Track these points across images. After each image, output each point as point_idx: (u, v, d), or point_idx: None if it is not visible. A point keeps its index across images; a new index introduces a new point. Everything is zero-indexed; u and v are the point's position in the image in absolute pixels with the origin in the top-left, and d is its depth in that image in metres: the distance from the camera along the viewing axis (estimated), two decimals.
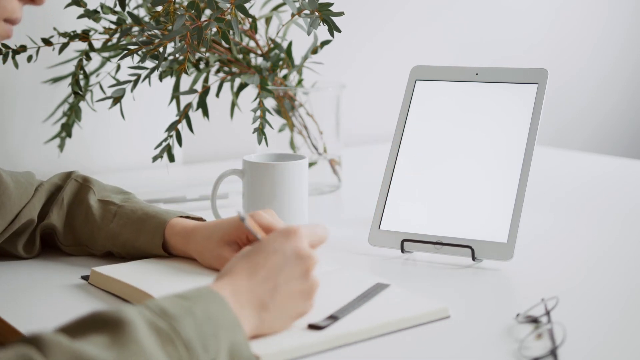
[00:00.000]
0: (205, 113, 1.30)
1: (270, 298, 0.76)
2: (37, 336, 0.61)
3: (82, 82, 1.32)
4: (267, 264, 0.77)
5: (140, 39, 1.15)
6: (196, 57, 1.33)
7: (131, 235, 1.01)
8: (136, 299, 0.89)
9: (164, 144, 1.22)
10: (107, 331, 0.64)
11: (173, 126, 1.23)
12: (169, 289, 0.87)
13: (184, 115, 1.24)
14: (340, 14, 1.09)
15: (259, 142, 1.18)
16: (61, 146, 1.38)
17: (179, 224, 1.01)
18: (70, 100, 1.37)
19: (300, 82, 1.40)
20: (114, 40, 1.26)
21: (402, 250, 1.06)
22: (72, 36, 1.22)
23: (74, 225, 1.05)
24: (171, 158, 1.23)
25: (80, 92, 1.25)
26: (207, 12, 1.27)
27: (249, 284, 0.75)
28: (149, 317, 0.66)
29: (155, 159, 1.22)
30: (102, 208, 1.04)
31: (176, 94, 1.34)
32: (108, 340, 0.63)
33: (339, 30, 1.10)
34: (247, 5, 1.11)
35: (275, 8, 1.40)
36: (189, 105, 1.26)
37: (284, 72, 1.37)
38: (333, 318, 0.82)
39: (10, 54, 1.19)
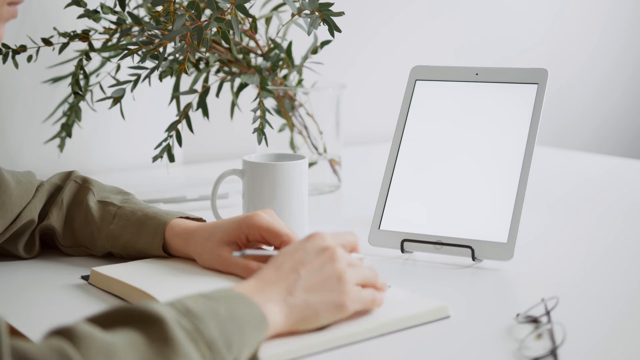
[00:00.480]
0: (205, 113, 1.30)
1: (295, 285, 0.77)
2: (68, 328, 0.62)
3: (82, 82, 1.32)
4: (290, 260, 0.79)
5: (140, 39, 1.15)
6: (196, 57, 1.33)
7: (131, 236, 1.01)
8: (136, 299, 0.89)
9: (164, 144, 1.22)
10: (140, 327, 0.64)
11: (173, 126, 1.23)
12: (169, 289, 0.88)
13: (184, 115, 1.24)
14: (340, 14, 1.09)
15: (259, 142, 1.18)
16: (61, 146, 1.38)
17: (179, 225, 1.00)
18: (70, 100, 1.37)
19: (300, 82, 1.40)
20: (114, 40, 1.26)
21: (402, 250, 1.06)
22: (72, 36, 1.22)
23: (74, 227, 1.05)
24: (171, 158, 1.22)
25: (80, 92, 1.25)
26: (207, 12, 1.27)
27: (275, 276, 0.78)
28: (174, 316, 0.67)
29: (155, 159, 1.22)
30: (101, 209, 1.04)
31: (176, 94, 1.34)
32: (141, 337, 0.64)
33: (339, 30, 1.10)
34: (247, 5, 1.11)
35: (275, 8, 1.40)
36: (189, 105, 1.26)
37: (284, 72, 1.37)
38: None
39: (10, 54, 1.18)
